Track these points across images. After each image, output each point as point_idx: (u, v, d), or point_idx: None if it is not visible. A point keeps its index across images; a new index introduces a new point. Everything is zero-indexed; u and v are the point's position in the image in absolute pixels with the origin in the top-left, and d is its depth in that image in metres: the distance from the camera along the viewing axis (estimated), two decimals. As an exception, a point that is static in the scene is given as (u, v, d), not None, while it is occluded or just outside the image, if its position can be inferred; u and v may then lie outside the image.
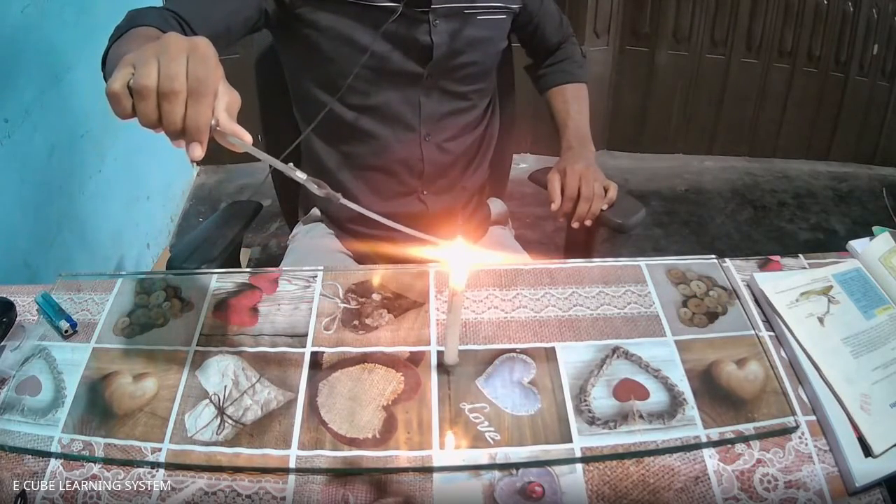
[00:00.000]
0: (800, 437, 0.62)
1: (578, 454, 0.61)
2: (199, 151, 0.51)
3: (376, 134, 0.97)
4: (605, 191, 0.99)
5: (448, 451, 0.61)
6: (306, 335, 0.72)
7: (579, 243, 1.09)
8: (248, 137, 0.53)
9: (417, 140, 0.98)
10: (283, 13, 0.88)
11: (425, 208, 1.03)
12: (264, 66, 1.09)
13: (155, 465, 0.61)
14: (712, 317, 0.74)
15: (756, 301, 0.76)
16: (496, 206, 1.18)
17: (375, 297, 0.77)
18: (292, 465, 0.60)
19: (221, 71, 0.52)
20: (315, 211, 1.12)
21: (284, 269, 0.83)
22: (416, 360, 0.69)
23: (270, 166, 1.15)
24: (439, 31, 0.92)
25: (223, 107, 0.52)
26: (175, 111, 0.49)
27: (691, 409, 0.64)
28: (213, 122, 0.51)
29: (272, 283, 0.79)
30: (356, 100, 0.94)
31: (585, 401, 0.65)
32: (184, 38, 0.51)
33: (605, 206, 0.98)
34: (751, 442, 0.62)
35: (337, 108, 0.95)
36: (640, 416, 0.64)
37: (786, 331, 0.70)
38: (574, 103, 1.10)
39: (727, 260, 0.82)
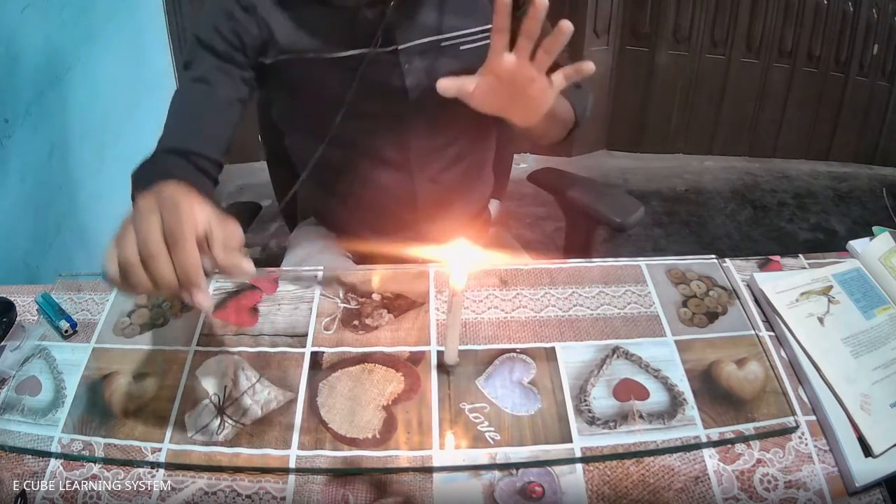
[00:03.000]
0: (800, 437, 0.62)
1: (578, 454, 0.61)
2: (200, 297, 0.50)
3: (366, 176, 0.95)
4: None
5: (448, 451, 0.61)
6: (306, 335, 0.72)
7: (579, 243, 1.09)
8: (249, 267, 0.53)
9: (409, 177, 0.94)
10: (262, 75, 0.85)
11: (423, 233, 1.01)
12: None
13: (155, 465, 0.61)
14: (712, 317, 0.74)
15: (756, 301, 0.76)
16: (496, 206, 1.18)
17: (375, 297, 0.77)
18: (292, 465, 0.60)
19: (204, 211, 0.52)
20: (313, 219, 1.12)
21: (284, 269, 0.83)
22: (416, 360, 0.69)
23: (269, 166, 1.15)
24: (413, 70, 0.85)
25: (219, 244, 0.52)
26: (160, 270, 0.49)
27: (691, 409, 0.64)
28: (207, 264, 0.51)
29: (272, 283, 0.79)
30: (342, 145, 0.90)
31: (585, 401, 0.65)
32: (151, 197, 0.52)
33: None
34: (751, 442, 0.62)
35: (324, 155, 0.90)
36: (640, 416, 0.64)
37: (786, 331, 0.70)
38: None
39: (727, 260, 0.82)
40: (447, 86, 0.71)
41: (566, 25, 0.62)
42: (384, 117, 0.89)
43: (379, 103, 0.87)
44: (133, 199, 0.76)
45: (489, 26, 0.81)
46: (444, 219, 1.00)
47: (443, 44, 0.85)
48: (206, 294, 0.51)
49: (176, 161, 0.78)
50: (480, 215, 1.11)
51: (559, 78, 0.70)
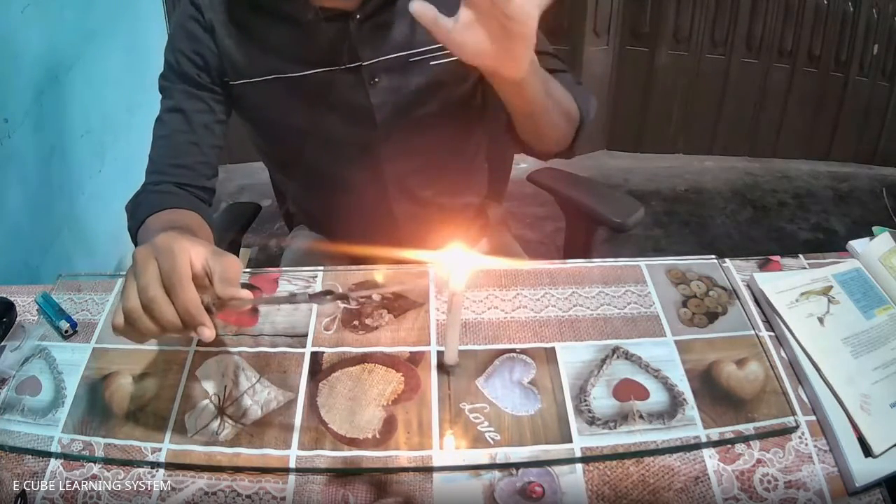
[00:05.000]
0: (800, 437, 0.62)
1: (578, 454, 0.61)
2: (206, 333, 0.53)
3: (341, 199, 0.93)
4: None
5: (448, 451, 0.61)
6: (306, 335, 0.72)
7: (579, 243, 1.09)
8: (247, 295, 0.55)
9: (387, 202, 0.92)
10: (229, 96, 0.84)
11: (410, 246, 0.96)
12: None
13: (155, 465, 0.61)
14: (712, 317, 0.74)
15: (756, 301, 0.76)
16: (494, 209, 1.18)
17: (375, 297, 0.77)
18: (292, 465, 0.60)
19: (199, 251, 0.55)
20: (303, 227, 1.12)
21: (284, 269, 0.83)
22: (416, 360, 0.69)
23: (268, 169, 1.14)
24: (380, 89, 0.80)
25: (217, 279, 0.54)
26: (163, 314, 0.52)
27: (691, 409, 0.64)
28: (207, 300, 0.54)
29: (272, 283, 0.79)
30: (314, 170, 0.89)
31: (585, 401, 0.65)
32: (147, 246, 0.54)
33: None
34: (751, 442, 0.62)
35: (295, 185, 0.90)
36: (640, 416, 0.64)
37: (786, 331, 0.70)
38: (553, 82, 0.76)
39: (727, 260, 0.82)
40: (421, 9, 0.58)
41: None
42: (352, 141, 0.85)
43: (345, 126, 0.83)
44: (129, 230, 0.78)
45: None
46: (430, 234, 0.95)
47: (411, 59, 0.80)
48: (211, 329, 0.53)
49: (168, 188, 0.79)
50: (475, 221, 1.09)
51: None
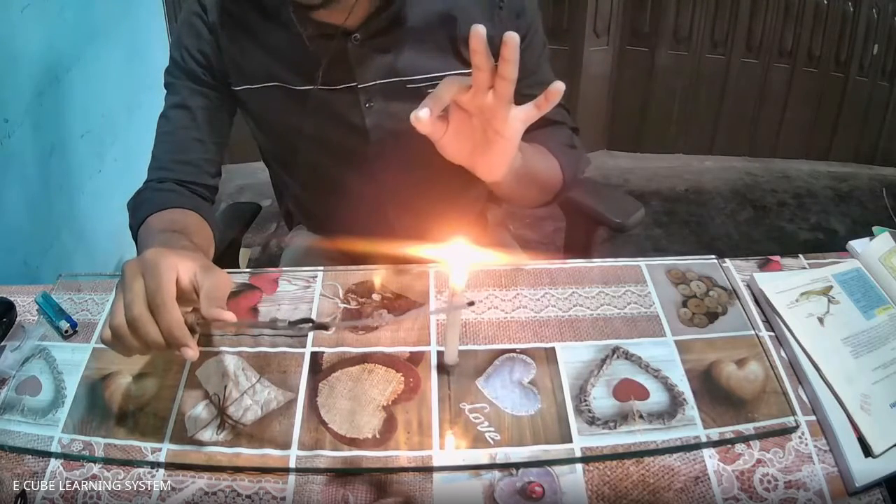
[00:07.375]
0: (800, 437, 0.62)
1: (578, 454, 0.61)
2: (189, 353, 0.54)
3: (338, 205, 0.94)
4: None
5: (448, 451, 0.61)
6: (306, 335, 0.72)
7: (579, 243, 1.09)
8: (231, 318, 0.55)
9: (384, 211, 0.93)
10: (233, 97, 0.84)
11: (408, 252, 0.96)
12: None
13: (155, 465, 0.61)
14: (712, 317, 0.74)
15: (756, 301, 0.76)
16: (494, 211, 1.17)
17: (375, 297, 0.77)
18: (292, 465, 0.60)
19: (188, 268, 0.55)
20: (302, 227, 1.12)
21: (284, 269, 0.83)
22: (416, 360, 0.69)
23: (268, 168, 1.14)
24: (375, 111, 0.81)
25: (203, 296, 0.54)
26: (147, 333, 0.52)
27: (691, 409, 0.64)
28: (192, 319, 0.54)
29: (272, 283, 0.79)
30: (312, 177, 0.90)
31: (585, 401, 0.65)
32: (136, 261, 0.55)
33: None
34: (751, 442, 0.62)
35: (294, 189, 0.90)
36: (640, 416, 0.64)
37: (786, 331, 0.70)
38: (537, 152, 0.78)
39: (727, 260, 0.82)
40: (420, 118, 0.58)
41: (510, 38, 0.53)
42: (347, 154, 0.86)
43: (341, 140, 0.84)
44: (131, 227, 0.77)
45: (460, 71, 0.77)
46: (429, 241, 0.92)
47: (408, 85, 0.79)
48: (195, 350, 0.54)
49: (170, 186, 0.79)
50: (475, 224, 1.09)
51: (529, 110, 0.59)
